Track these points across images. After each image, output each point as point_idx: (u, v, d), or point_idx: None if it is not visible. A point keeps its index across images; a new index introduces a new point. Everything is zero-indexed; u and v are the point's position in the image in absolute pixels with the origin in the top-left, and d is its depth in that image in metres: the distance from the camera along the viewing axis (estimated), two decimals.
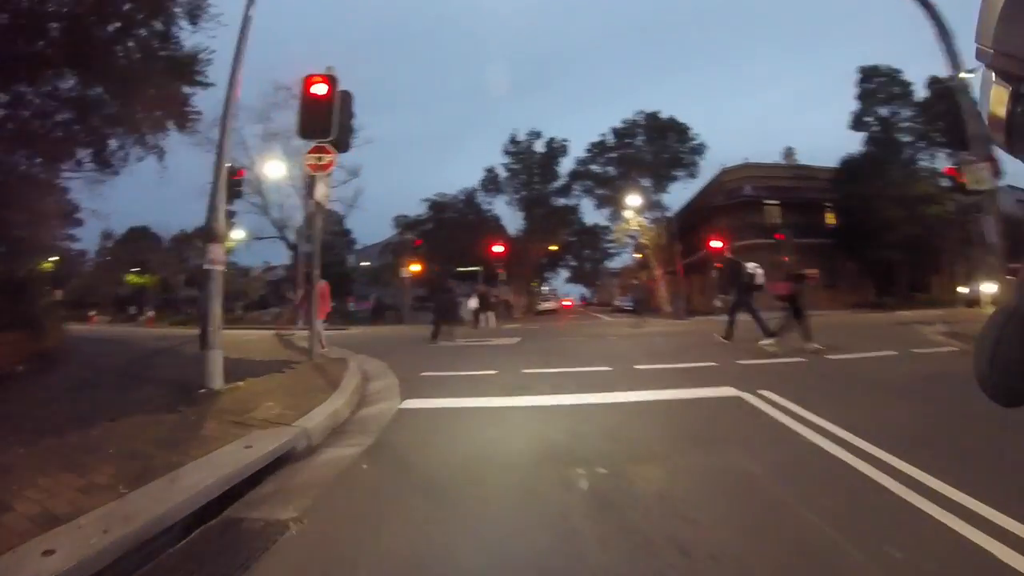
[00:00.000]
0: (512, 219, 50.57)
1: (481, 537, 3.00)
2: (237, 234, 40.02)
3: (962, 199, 30.22)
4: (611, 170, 46.03)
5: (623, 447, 4.49)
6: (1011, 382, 0.97)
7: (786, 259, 11.09)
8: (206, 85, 13.37)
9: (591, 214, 51.01)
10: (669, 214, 45.62)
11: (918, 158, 35.57)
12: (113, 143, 13.37)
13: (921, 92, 35.03)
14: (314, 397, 6.39)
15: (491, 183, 49.53)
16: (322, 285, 12.43)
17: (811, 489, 3.44)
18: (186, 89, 13.53)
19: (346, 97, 10.02)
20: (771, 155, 44.63)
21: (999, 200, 12.22)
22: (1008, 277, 22.87)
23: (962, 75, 12.01)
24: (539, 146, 48.63)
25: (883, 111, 35.88)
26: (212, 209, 7.35)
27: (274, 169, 33.67)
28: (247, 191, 36.56)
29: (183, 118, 13.70)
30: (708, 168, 44.93)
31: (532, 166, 48.48)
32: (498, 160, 49.94)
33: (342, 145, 10.13)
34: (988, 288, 21.49)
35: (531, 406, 6.19)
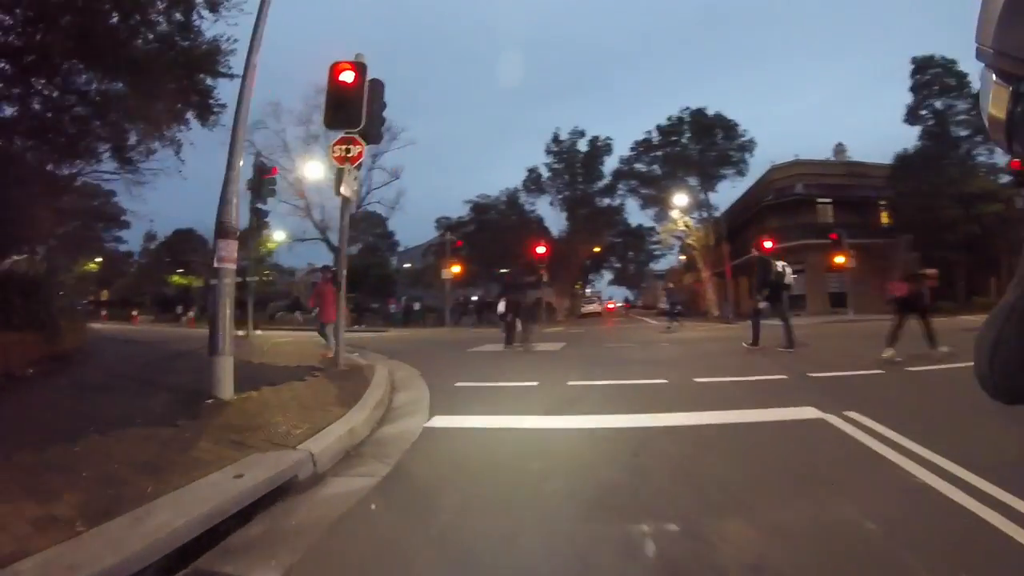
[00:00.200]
0: (555, 220, 50.09)
1: None
2: (278, 235, 40.22)
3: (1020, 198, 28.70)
4: (656, 169, 45.06)
5: (696, 491, 3.55)
6: (1011, 380, 0.93)
7: (905, 259, 10.06)
8: (229, 76, 12.75)
9: (636, 215, 50.19)
10: (717, 214, 44.45)
11: (976, 153, 33.72)
12: (132, 138, 12.94)
13: (978, 83, 33.15)
14: (330, 412, 5.65)
15: (533, 183, 48.84)
16: (324, 285, 11.84)
17: (942, 553, 2.63)
18: (208, 81, 12.97)
19: (376, 86, 9.42)
20: (821, 153, 43.01)
21: None
22: None
23: None
24: (582, 145, 47.83)
25: (938, 104, 34.05)
26: (224, 202, 6.65)
27: (314, 170, 33.48)
28: (290, 193, 36.69)
29: (206, 111, 13.14)
30: (757, 166, 43.68)
31: (575, 165, 47.67)
32: (541, 160, 49.14)
33: (372, 136, 9.49)
34: None
35: (578, 428, 5.29)
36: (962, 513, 3.06)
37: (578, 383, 7.92)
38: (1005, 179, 32.36)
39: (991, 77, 0.85)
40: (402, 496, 3.71)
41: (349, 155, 8.97)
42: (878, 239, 34.06)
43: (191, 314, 43.25)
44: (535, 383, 7.98)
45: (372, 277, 49.00)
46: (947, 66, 33.96)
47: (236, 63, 12.62)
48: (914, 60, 34.78)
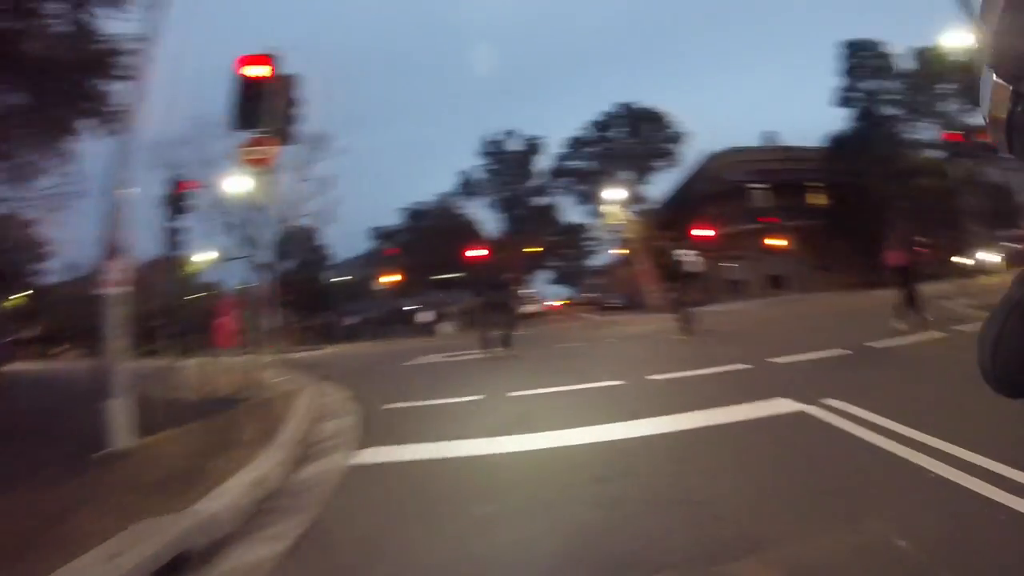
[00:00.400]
0: (492, 223, 49.38)
1: None
2: (206, 255, 38.33)
3: (955, 170, 29.71)
4: (591, 165, 44.93)
5: (688, 525, 2.85)
6: (1013, 376, 0.94)
7: (902, 229, 11.03)
8: (125, 79, 11.55)
9: (572, 212, 49.97)
10: (654, 206, 44.53)
11: (906, 131, 34.79)
12: (24, 151, 11.71)
13: (906, 63, 34.52)
14: (240, 455, 4.79)
15: (467, 186, 48.11)
16: (227, 303, 10.32)
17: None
18: (106, 85, 11.73)
19: (291, 81, 8.53)
20: (757, 142, 43.70)
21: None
22: (1012, 244, 22.24)
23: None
24: (515, 145, 47.27)
25: (868, 85, 35.00)
26: (112, 219, 5.75)
27: (239, 184, 31.93)
28: (218, 210, 34.85)
29: (105, 118, 11.90)
30: (693, 156, 43.97)
31: (509, 166, 47.14)
32: (475, 163, 48.53)
33: (286, 136, 8.59)
34: (988, 257, 20.75)
35: (532, 451, 4.51)
36: (984, 503, 2.67)
37: (527, 392, 7.11)
38: (935, 154, 33.55)
39: (991, 77, 0.85)
40: (317, 568, 2.95)
41: (262, 158, 8.08)
42: (813, 220, 34.83)
43: None
44: (479, 397, 7.16)
45: (308, 292, 47.47)
46: (877, 48, 34.92)
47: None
48: (845, 44, 35.70)
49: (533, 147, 47.09)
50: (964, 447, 3.34)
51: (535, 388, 7.28)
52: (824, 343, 8.26)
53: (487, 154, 47.59)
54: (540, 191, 48.11)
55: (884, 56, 35.10)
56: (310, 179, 40.40)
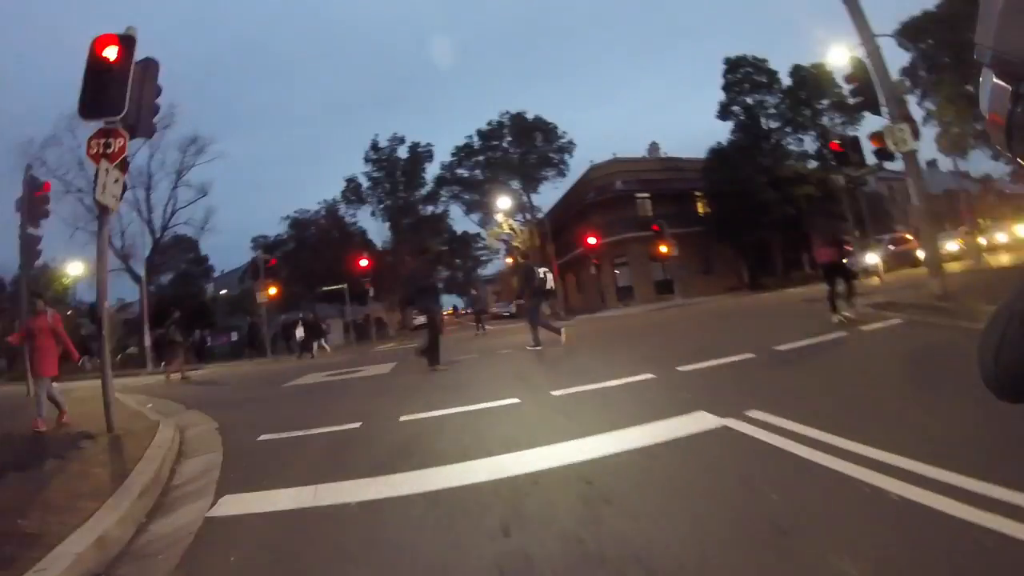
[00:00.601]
0: (379, 232, 48.18)
1: None
2: (74, 268, 34.88)
3: (833, 178, 31.54)
4: (479, 174, 44.79)
5: None
6: (1016, 381, 0.94)
7: (828, 227, 11.79)
8: None
9: (461, 221, 49.60)
10: (540, 215, 44.86)
11: (786, 142, 36.67)
12: None
13: (786, 80, 36.46)
14: (80, 510, 3.88)
15: (353, 193, 46.69)
16: (36, 321, 8.16)
17: None
18: None
19: (149, 66, 7.59)
20: (638, 153, 44.88)
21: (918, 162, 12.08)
22: (890, 247, 23.97)
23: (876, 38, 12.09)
24: (402, 152, 46.37)
25: (749, 99, 36.71)
26: None
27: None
28: (88, 218, 31.81)
29: None
30: (577, 167, 44.72)
31: (396, 173, 46.25)
32: (360, 170, 47.10)
33: (141, 127, 7.56)
34: (871, 259, 22.01)
35: (417, 495, 3.72)
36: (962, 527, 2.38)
37: (411, 417, 6.29)
38: (815, 164, 35.58)
39: (991, 77, 0.84)
40: None
41: (108, 151, 6.98)
42: (696, 227, 35.99)
43: None
44: (357, 424, 6.29)
45: (187, 307, 44.43)
46: (757, 64, 36.82)
47: None
48: (726, 60, 37.45)
49: (421, 154, 46.24)
50: (896, 453, 3.18)
51: (420, 412, 6.48)
52: (728, 348, 8.06)
53: (374, 160, 46.30)
54: (429, 199, 47.25)
55: (767, 71, 36.90)
56: (185, 184, 38.14)
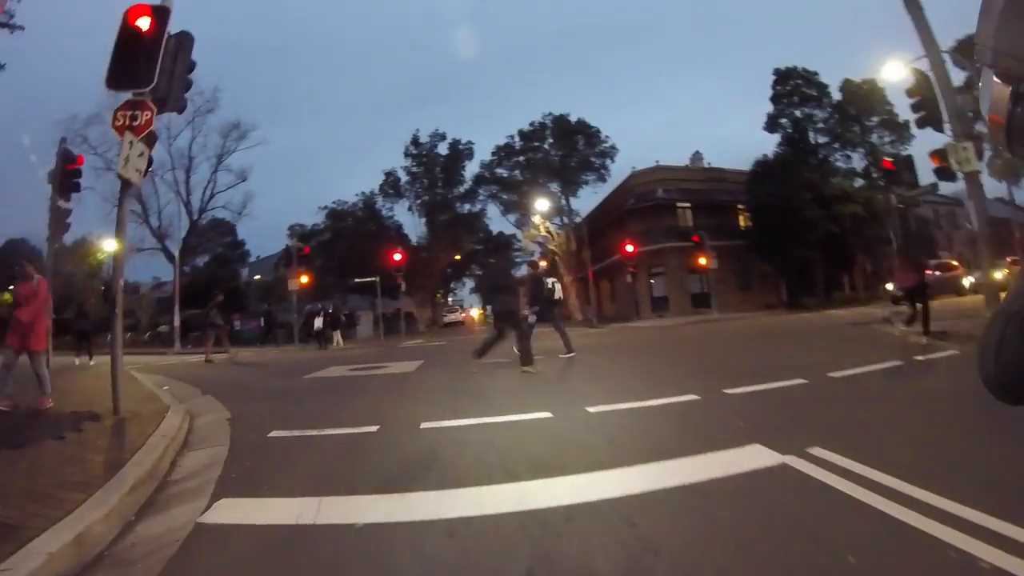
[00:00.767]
0: (414, 227, 48.01)
1: None
2: (109, 245, 35.32)
3: (879, 198, 30.57)
4: (518, 174, 44.26)
5: None
6: (1016, 382, 0.95)
7: (915, 251, 11.95)
8: None
9: (497, 221, 49.21)
10: (578, 219, 44.20)
11: (833, 158, 35.83)
12: None
13: (836, 95, 35.67)
14: (66, 500, 3.54)
15: (391, 187, 46.43)
16: (33, 286, 7.55)
17: None
18: None
19: (183, 40, 7.36)
20: (681, 162, 44.12)
21: (979, 185, 11.42)
22: (936, 273, 23.72)
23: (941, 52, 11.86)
24: (443, 148, 46.04)
25: (797, 112, 35.91)
26: None
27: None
28: (116, 194, 32.27)
29: None
30: (618, 172, 43.97)
31: (435, 169, 45.88)
32: (399, 164, 46.91)
33: (170, 101, 7.29)
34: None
35: (438, 521, 3.20)
36: None
37: (432, 425, 5.81)
38: (861, 182, 34.59)
39: (991, 77, 0.85)
40: None
41: (135, 123, 6.69)
42: (736, 241, 35.13)
43: None
44: (374, 428, 5.80)
45: (220, 291, 44.68)
46: (807, 77, 35.91)
47: None
48: (776, 71, 36.63)
49: (462, 151, 45.83)
50: (983, 511, 2.70)
51: (444, 419, 6.01)
52: (777, 371, 7.45)
53: (414, 155, 46.07)
54: (467, 197, 46.91)
55: (817, 85, 35.98)
56: (226, 168, 38.51)
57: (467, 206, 47.23)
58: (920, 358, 8.38)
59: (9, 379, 7.20)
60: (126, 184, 6.84)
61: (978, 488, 3.01)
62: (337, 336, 27.88)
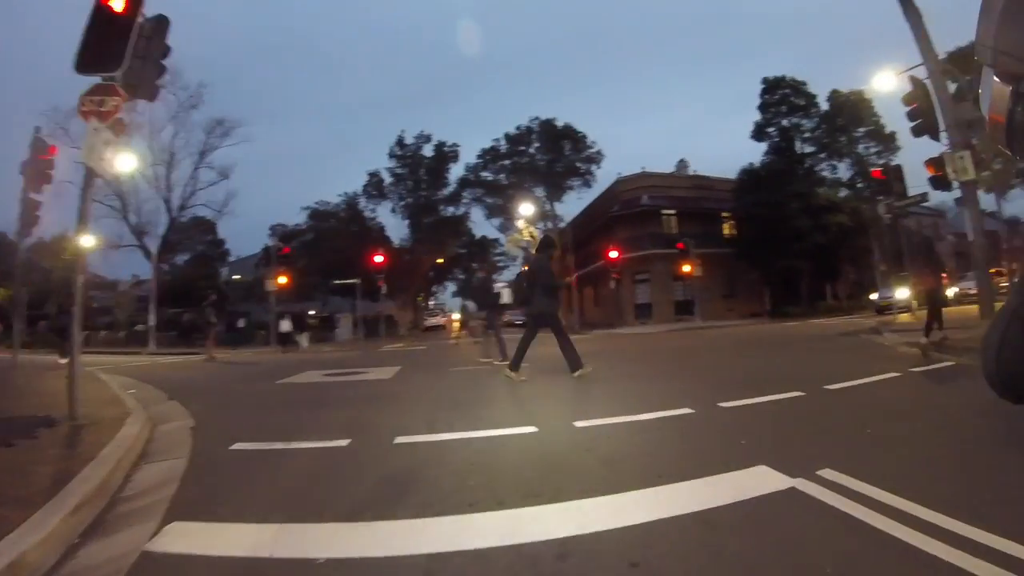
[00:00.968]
0: (397, 229, 47.74)
1: None
2: (86, 240, 34.45)
3: (865, 208, 30.73)
4: (503, 178, 44.18)
5: None
6: (1016, 379, 0.80)
7: (934, 257, 11.43)
8: None
9: (481, 225, 49.01)
10: (563, 224, 44.11)
11: (820, 168, 36.05)
12: None
13: (824, 105, 35.93)
14: (4, 520, 3.16)
15: (375, 188, 46.21)
16: None
17: None
18: None
19: (160, 23, 6.95)
20: (667, 170, 44.18)
21: (976, 194, 11.46)
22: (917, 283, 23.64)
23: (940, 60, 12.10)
24: (428, 150, 45.82)
25: (785, 122, 36.08)
26: None
27: (125, 163, 29.05)
28: (106, 191, 31.78)
29: None
30: (604, 178, 43.97)
31: (420, 171, 45.67)
32: (384, 166, 46.61)
33: (141, 87, 6.88)
34: (902, 294, 21.25)
35: (413, 556, 2.76)
36: None
37: (408, 439, 5.30)
38: (845, 192, 34.81)
39: (991, 77, 0.94)
40: None
41: (102, 109, 6.31)
42: (721, 249, 35.22)
43: None
44: (345, 441, 5.30)
45: (200, 290, 44.10)
46: (796, 86, 36.15)
47: None
48: (764, 80, 36.91)
49: (447, 153, 45.68)
50: (1008, 538, 2.47)
51: (421, 434, 5.56)
52: (772, 383, 7.19)
53: (399, 156, 45.79)
54: (451, 200, 46.66)
55: (805, 95, 36.27)
56: (207, 165, 38.05)
57: (451, 209, 47.32)
58: (918, 369, 8.19)
59: None
60: (90, 173, 6.44)
61: (1001, 513, 2.74)
62: (303, 339, 28.14)
